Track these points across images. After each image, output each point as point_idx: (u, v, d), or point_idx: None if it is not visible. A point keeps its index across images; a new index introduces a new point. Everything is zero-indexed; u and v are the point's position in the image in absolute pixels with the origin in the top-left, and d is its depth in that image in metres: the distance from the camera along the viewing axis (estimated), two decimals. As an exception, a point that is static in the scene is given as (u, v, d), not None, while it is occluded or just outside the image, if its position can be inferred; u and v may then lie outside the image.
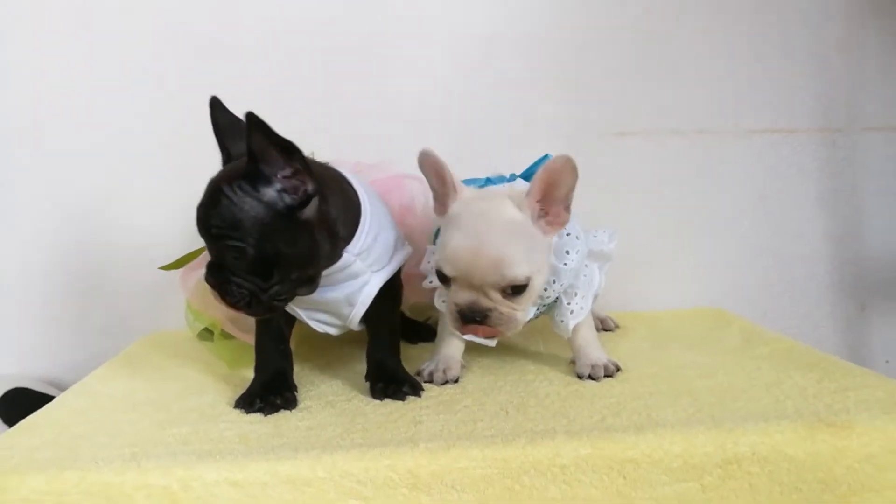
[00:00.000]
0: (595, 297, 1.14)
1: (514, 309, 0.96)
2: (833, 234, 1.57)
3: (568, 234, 1.05)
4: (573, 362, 1.11)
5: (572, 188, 0.97)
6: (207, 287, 1.08)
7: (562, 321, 1.09)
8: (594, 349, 1.11)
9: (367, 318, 1.04)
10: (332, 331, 1.06)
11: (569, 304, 1.08)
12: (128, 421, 0.92)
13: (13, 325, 1.46)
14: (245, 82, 1.36)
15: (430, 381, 1.06)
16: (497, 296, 0.94)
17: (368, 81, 1.46)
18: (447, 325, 1.10)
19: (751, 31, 1.51)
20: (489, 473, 0.77)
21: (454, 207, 0.99)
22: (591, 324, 1.13)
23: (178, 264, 1.15)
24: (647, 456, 0.78)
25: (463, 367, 1.11)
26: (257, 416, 0.92)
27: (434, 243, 1.09)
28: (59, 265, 1.46)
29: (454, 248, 0.94)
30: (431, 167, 0.99)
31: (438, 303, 1.11)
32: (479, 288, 0.94)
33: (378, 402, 0.98)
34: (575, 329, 1.10)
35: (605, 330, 1.37)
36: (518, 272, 0.93)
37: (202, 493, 0.73)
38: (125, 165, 1.44)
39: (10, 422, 1.18)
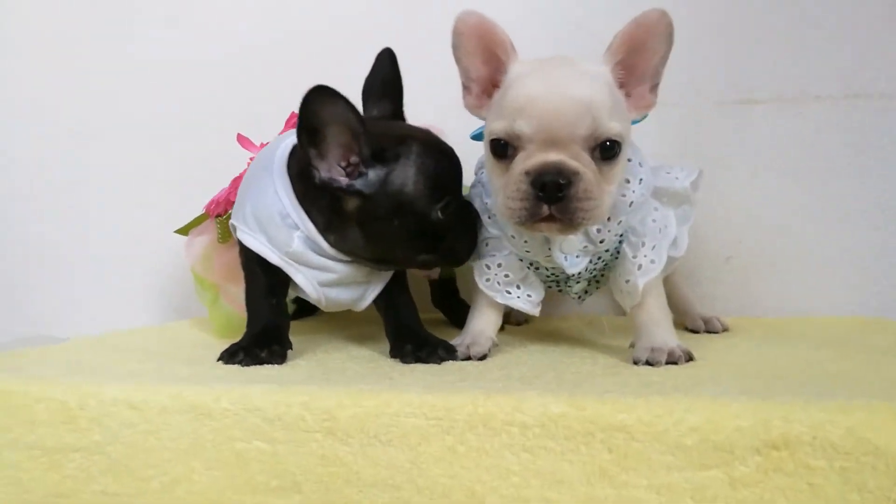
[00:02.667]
0: (672, 259, 0.90)
1: (601, 181, 0.76)
2: None
3: (629, 161, 0.84)
4: (632, 345, 0.88)
5: (664, 59, 0.80)
6: (210, 253, 1.05)
7: (627, 280, 0.86)
8: (662, 329, 0.87)
9: (379, 299, 0.95)
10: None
11: (634, 256, 0.86)
12: (85, 359, 0.86)
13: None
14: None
15: (449, 356, 0.89)
16: (585, 157, 0.75)
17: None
18: (481, 297, 0.94)
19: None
20: (424, 426, 0.58)
21: (514, 69, 0.80)
22: (661, 298, 0.90)
23: (184, 231, 1.11)
24: (647, 425, 0.55)
25: (495, 345, 0.92)
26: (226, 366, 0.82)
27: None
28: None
29: (531, 94, 0.75)
30: (477, 35, 0.80)
31: (472, 259, 0.93)
32: (560, 145, 0.74)
33: (371, 365, 0.84)
34: (640, 302, 0.87)
35: (710, 331, 1.10)
36: (613, 124, 0.75)
37: (98, 412, 0.64)
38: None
39: None
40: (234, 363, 0.82)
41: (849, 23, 1.21)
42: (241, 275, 0.94)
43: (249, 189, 0.92)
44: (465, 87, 0.85)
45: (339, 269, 0.90)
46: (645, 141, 1.20)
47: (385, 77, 0.94)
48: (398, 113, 0.95)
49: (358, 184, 0.83)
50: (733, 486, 0.53)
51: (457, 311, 1.16)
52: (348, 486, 0.59)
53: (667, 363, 0.81)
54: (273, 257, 0.88)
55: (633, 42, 0.79)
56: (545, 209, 0.74)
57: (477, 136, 0.90)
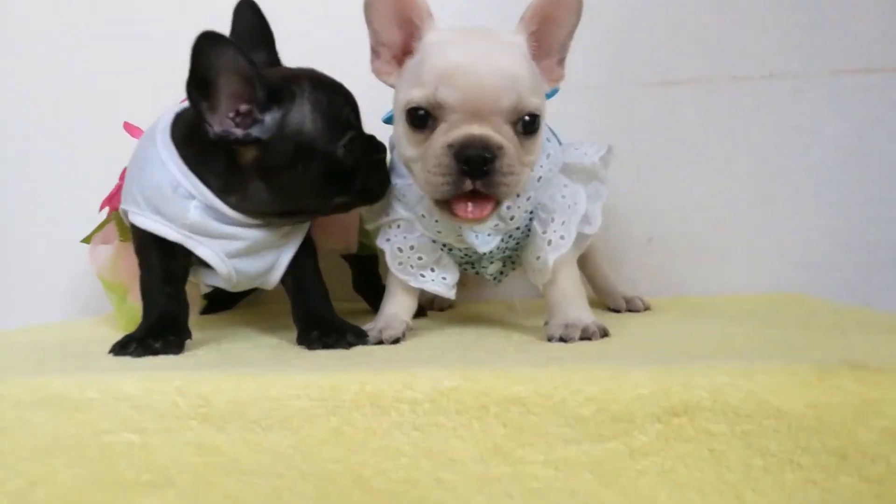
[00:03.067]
0: (585, 236, 0.88)
1: (522, 155, 0.73)
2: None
3: None
4: (546, 323, 0.85)
5: (571, 31, 0.78)
6: (116, 257, 0.98)
7: (538, 257, 0.83)
8: (575, 306, 0.84)
9: (289, 278, 0.89)
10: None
11: (544, 232, 0.83)
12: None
13: None
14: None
15: (363, 343, 0.85)
16: (508, 131, 0.72)
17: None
18: (395, 281, 0.89)
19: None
20: (308, 407, 0.54)
21: (431, 36, 0.76)
22: (574, 275, 0.87)
23: (88, 239, 1.03)
24: (543, 396, 0.52)
25: (410, 329, 0.88)
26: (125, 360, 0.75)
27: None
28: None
29: (457, 62, 0.71)
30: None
31: (382, 241, 0.89)
32: (483, 118, 0.71)
33: (275, 352, 0.79)
34: (552, 280, 0.84)
35: (631, 310, 1.08)
36: (534, 98, 0.73)
37: (-48, 407, 0.57)
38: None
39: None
40: (125, 355, 0.76)
41: (766, 4, 1.21)
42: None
43: (134, 167, 0.86)
44: (374, 51, 0.80)
45: (246, 234, 0.84)
46: (567, 123, 1.18)
47: (252, 27, 0.87)
48: (275, 61, 0.89)
49: (254, 131, 0.77)
50: (633, 456, 0.51)
51: (379, 297, 1.12)
52: (227, 476, 0.54)
53: (581, 339, 0.79)
54: (171, 233, 0.82)
55: (544, 13, 0.77)
56: (468, 183, 0.71)
57: (388, 120, 0.86)
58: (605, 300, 1.11)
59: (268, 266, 0.88)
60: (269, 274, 0.89)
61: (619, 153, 1.18)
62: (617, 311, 1.08)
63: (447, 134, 0.71)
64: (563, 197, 0.85)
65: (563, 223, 0.83)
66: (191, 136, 0.81)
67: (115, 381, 0.57)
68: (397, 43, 0.79)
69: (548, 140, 0.85)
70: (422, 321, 1.01)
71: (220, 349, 0.80)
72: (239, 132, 0.77)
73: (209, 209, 0.81)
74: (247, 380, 0.56)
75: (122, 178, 0.97)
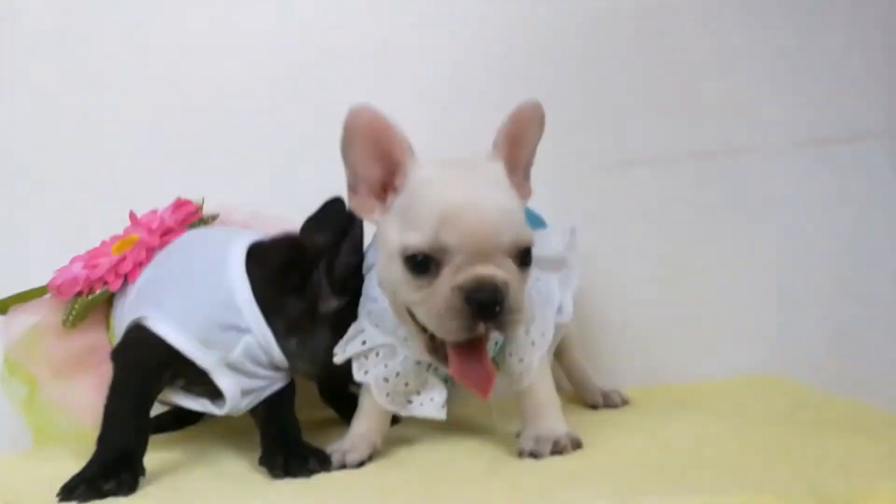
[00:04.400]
0: (559, 326, 0.86)
1: (523, 288, 0.73)
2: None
3: None
4: (518, 435, 0.82)
5: (535, 146, 0.79)
6: (35, 337, 0.94)
7: (521, 360, 0.81)
8: (549, 417, 0.81)
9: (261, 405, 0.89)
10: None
11: (527, 332, 0.81)
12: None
13: None
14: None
15: (324, 467, 0.81)
16: (510, 266, 0.71)
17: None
18: (365, 398, 0.86)
19: (775, 25, 1.22)
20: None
21: (418, 175, 0.75)
22: (548, 380, 0.84)
23: (2, 306, 0.96)
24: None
25: (377, 450, 0.84)
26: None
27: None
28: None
29: (453, 204, 0.70)
30: (371, 133, 0.74)
31: (360, 376, 0.85)
32: (488, 257, 0.70)
33: (231, 485, 0.75)
34: (528, 389, 0.82)
35: (609, 406, 1.05)
36: (527, 230, 0.73)
37: None
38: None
39: None
40: (72, 501, 0.72)
41: (722, 79, 1.23)
42: (77, 371, 0.87)
43: (186, 282, 0.85)
44: (352, 188, 0.78)
45: (267, 376, 0.87)
46: (541, 205, 1.18)
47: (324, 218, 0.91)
48: None
49: (354, 282, 0.85)
50: None
51: (347, 405, 1.09)
52: None
53: (552, 453, 0.76)
54: (203, 358, 0.82)
55: (513, 137, 0.77)
56: (482, 326, 0.69)
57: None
58: (583, 395, 1.08)
59: (254, 398, 0.88)
60: (249, 406, 0.88)
61: (586, 237, 1.18)
62: (594, 406, 1.05)
63: (455, 277, 0.69)
64: (539, 293, 0.84)
65: (542, 320, 0.82)
66: (273, 279, 0.84)
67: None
68: (377, 178, 0.77)
69: None
70: (395, 430, 0.97)
71: (175, 485, 0.76)
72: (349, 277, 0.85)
73: (258, 349, 0.84)
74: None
75: (88, 262, 0.93)
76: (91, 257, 0.95)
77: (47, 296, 0.95)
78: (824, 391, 0.96)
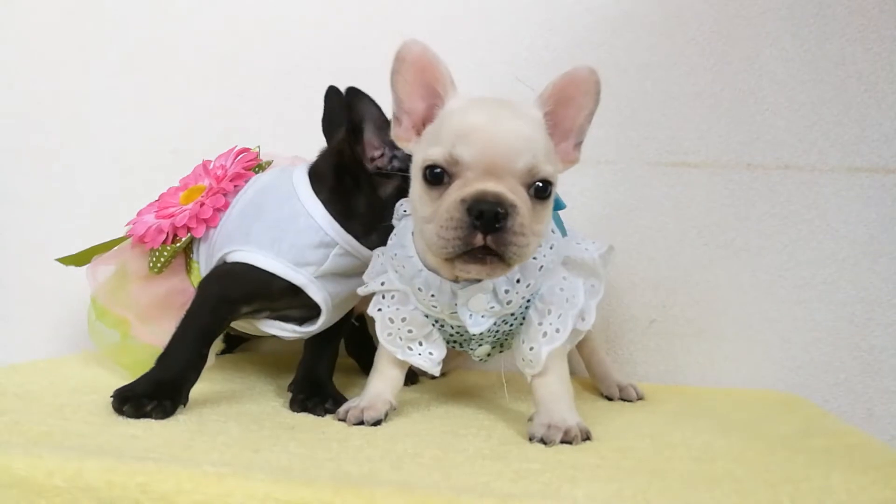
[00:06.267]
0: (578, 332, 0.87)
1: (533, 219, 0.74)
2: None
3: None
4: (531, 420, 0.84)
5: (590, 116, 0.79)
6: (117, 283, 0.99)
7: (531, 348, 0.83)
8: (561, 406, 0.83)
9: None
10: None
11: (540, 323, 0.83)
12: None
13: None
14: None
15: (344, 419, 0.85)
16: (521, 191, 0.73)
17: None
18: (383, 355, 0.90)
19: (850, 48, 1.18)
20: (267, 520, 0.54)
21: (452, 103, 0.78)
22: (563, 370, 0.86)
23: (84, 257, 1.03)
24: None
25: (393, 408, 0.88)
26: (105, 418, 0.77)
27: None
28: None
29: (474, 122, 0.74)
30: (420, 67, 0.78)
31: (373, 310, 0.89)
32: (498, 176, 0.72)
33: (252, 427, 0.80)
34: (541, 374, 0.84)
35: (625, 399, 1.07)
36: (548, 166, 0.74)
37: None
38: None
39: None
40: (121, 413, 0.79)
41: (786, 95, 1.21)
42: (162, 314, 0.94)
43: (264, 217, 0.92)
44: (396, 118, 0.82)
45: (354, 281, 0.93)
46: (577, 196, 1.19)
47: (333, 113, 1.00)
48: None
49: (396, 163, 0.89)
50: None
51: (368, 357, 1.13)
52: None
53: (562, 442, 0.78)
54: (299, 278, 0.90)
55: (562, 95, 0.78)
56: (479, 238, 0.71)
57: None
58: (599, 386, 1.10)
59: (336, 314, 0.97)
60: (329, 323, 0.96)
61: (626, 231, 1.19)
62: (610, 398, 1.07)
63: (461, 189, 0.72)
64: (562, 290, 0.85)
65: (559, 316, 0.83)
66: (336, 191, 0.92)
67: (79, 471, 0.57)
68: (419, 112, 0.81)
69: (553, 231, 0.85)
70: (409, 394, 1.01)
71: (200, 417, 0.81)
72: (386, 164, 0.90)
73: (345, 257, 0.92)
74: (209, 482, 0.56)
75: (161, 209, 0.99)
76: (161, 207, 0.99)
77: (125, 244, 1.00)
78: (840, 420, 0.96)
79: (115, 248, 1.02)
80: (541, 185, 0.74)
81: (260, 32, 1.33)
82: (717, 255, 1.21)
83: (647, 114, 1.23)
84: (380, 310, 0.88)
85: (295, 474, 0.59)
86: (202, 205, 0.96)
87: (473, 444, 0.77)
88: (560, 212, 1.00)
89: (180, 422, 0.79)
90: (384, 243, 0.90)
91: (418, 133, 0.80)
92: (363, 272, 0.92)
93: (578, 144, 0.81)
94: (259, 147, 1.07)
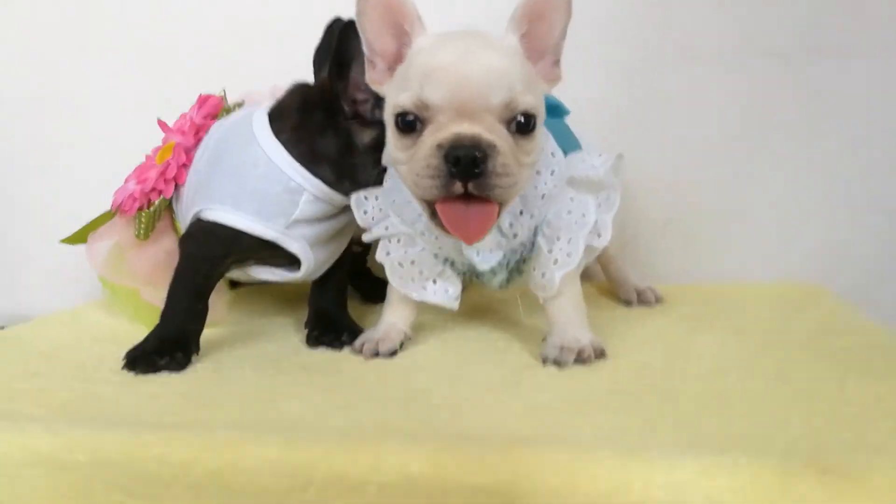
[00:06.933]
0: (594, 249, 0.85)
1: (518, 157, 0.70)
2: None
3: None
4: (544, 340, 0.84)
5: (563, 31, 0.74)
6: (118, 255, 1.00)
7: (543, 274, 0.82)
8: (574, 326, 0.83)
9: None
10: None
11: (550, 251, 0.81)
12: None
13: None
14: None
15: (360, 352, 0.86)
16: (501, 130, 0.69)
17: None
18: (394, 289, 0.90)
19: None
20: (282, 483, 0.56)
21: (418, 42, 0.73)
22: (576, 291, 0.85)
23: (82, 235, 1.03)
24: (505, 485, 0.53)
25: (408, 338, 0.89)
26: (126, 377, 0.79)
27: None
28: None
29: (441, 60, 0.69)
30: (383, 6, 0.73)
31: (381, 255, 0.89)
32: (473, 115, 0.68)
33: (269, 371, 0.81)
34: (554, 297, 0.83)
35: (643, 303, 1.06)
36: (528, 96, 0.69)
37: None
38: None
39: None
40: (134, 370, 0.80)
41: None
42: (164, 276, 0.90)
43: (224, 168, 0.88)
44: (370, 62, 0.77)
45: (340, 218, 0.91)
46: (589, 99, 1.13)
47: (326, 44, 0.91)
48: None
49: (377, 114, 0.81)
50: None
51: (367, 285, 1.14)
52: (208, 541, 0.57)
53: (576, 362, 0.79)
54: (268, 232, 0.86)
55: (533, 13, 0.73)
56: (459, 186, 0.68)
57: None
58: (618, 291, 1.09)
59: (331, 255, 0.94)
60: (326, 264, 0.94)
61: (638, 131, 1.14)
62: (628, 302, 1.07)
63: (435, 134, 0.68)
64: (570, 213, 0.82)
65: (569, 240, 0.81)
66: (299, 131, 0.85)
67: (99, 445, 0.59)
68: (391, 52, 0.75)
69: (552, 155, 0.81)
70: (425, 317, 1.00)
71: (217, 366, 0.83)
72: (367, 112, 0.83)
73: (317, 203, 0.86)
74: (224, 449, 0.58)
75: (138, 176, 0.97)
76: (141, 172, 0.98)
77: (116, 217, 0.99)
78: (861, 314, 0.94)
79: (109, 221, 1.01)
80: (522, 119, 0.69)
81: (260, 32, 1.25)
82: (734, 149, 1.16)
83: (656, 10, 1.15)
84: (388, 254, 0.87)
85: (307, 432, 0.61)
86: (168, 165, 0.94)
87: (485, 373, 0.78)
88: (572, 117, 0.96)
89: (198, 371, 0.81)
90: (356, 188, 0.86)
91: (393, 71, 0.75)
92: (343, 214, 0.89)
93: (557, 62, 0.75)
94: (224, 90, 1.01)
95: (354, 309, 1.00)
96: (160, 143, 0.99)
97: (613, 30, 1.12)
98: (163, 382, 0.77)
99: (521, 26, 0.73)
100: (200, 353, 0.86)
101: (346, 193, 0.87)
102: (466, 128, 0.67)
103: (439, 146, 0.67)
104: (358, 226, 0.90)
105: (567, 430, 0.61)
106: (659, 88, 1.16)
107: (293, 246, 0.88)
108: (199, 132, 0.96)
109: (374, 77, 0.76)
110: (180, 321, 0.86)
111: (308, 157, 0.85)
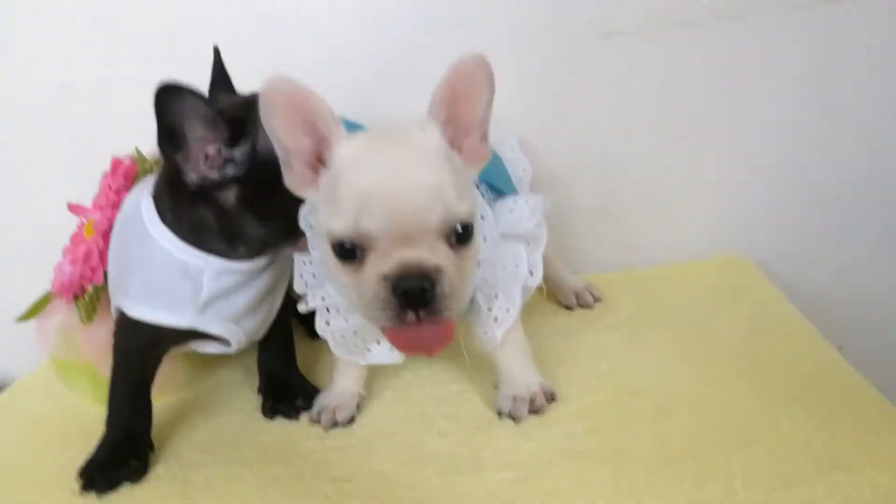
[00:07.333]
0: (528, 289, 0.86)
1: (462, 270, 0.69)
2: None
3: None
4: (496, 388, 0.87)
5: (488, 105, 0.71)
6: (67, 335, 0.96)
7: (485, 332, 0.84)
8: (523, 372, 0.86)
9: None
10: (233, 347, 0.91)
11: (489, 308, 0.83)
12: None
13: None
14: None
15: (318, 421, 0.88)
16: (441, 248, 0.68)
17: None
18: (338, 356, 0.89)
19: None
20: None
21: (342, 152, 0.70)
22: (519, 336, 0.87)
23: (34, 312, 0.99)
24: None
25: (363, 398, 0.90)
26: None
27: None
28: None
29: (372, 186, 0.66)
30: (291, 105, 0.68)
31: (321, 326, 0.87)
32: (414, 240, 0.66)
33: (234, 469, 0.82)
34: (502, 343, 0.85)
35: (583, 306, 1.10)
36: (462, 205, 0.67)
37: None
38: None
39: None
40: (91, 491, 0.79)
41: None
42: None
43: (129, 262, 0.84)
44: (286, 163, 0.72)
45: (259, 280, 0.87)
46: (513, 82, 1.11)
47: (215, 73, 0.88)
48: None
49: (229, 171, 0.76)
50: None
51: (312, 319, 1.12)
52: None
53: (530, 412, 0.82)
54: (182, 321, 0.83)
55: (454, 95, 0.70)
56: (412, 315, 0.67)
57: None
58: (557, 295, 1.12)
59: (264, 320, 0.91)
60: (263, 326, 0.92)
61: (563, 112, 1.14)
62: (569, 307, 1.10)
63: (380, 264, 0.67)
64: (504, 268, 0.83)
65: (506, 296, 0.82)
66: (176, 210, 0.81)
67: None
68: (307, 149, 0.71)
69: (482, 217, 0.80)
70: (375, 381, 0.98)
71: (180, 465, 0.83)
72: (215, 174, 0.76)
73: (221, 275, 0.82)
74: None
75: (70, 261, 0.93)
76: (73, 247, 0.93)
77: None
78: (783, 295, 1.01)
79: (54, 299, 0.96)
80: (460, 229, 0.68)
81: (259, 32, 1.15)
82: (662, 124, 1.16)
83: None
84: (328, 324, 0.86)
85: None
86: (90, 252, 0.90)
87: (445, 440, 0.80)
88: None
89: (161, 476, 0.81)
90: (255, 250, 0.83)
91: (315, 171, 0.71)
92: (257, 275, 0.86)
93: (485, 136, 0.73)
94: (136, 148, 0.95)
95: (301, 345, 1.00)
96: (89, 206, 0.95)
97: (527, 11, 1.10)
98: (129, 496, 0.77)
99: (440, 113, 0.70)
100: (157, 447, 0.85)
101: (248, 257, 0.84)
102: (409, 255, 0.65)
103: (385, 278, 0.66)
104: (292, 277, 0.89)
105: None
106: (580, 67, 1.14)
107: (213, 328, 0.86)
108: (114, 208, 0.91)
109: (293, 180, 0.72)
110: (126, 422, 0.85)
111: (193, 234, 0.81)
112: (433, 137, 0.70)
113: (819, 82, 1.13)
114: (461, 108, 0.71)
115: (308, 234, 0.82)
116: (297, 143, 0.70)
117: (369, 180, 0.66)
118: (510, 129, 1.07)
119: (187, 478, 0.81)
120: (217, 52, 0.89)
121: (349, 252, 0.68)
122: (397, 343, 0.70)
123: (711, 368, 0.86)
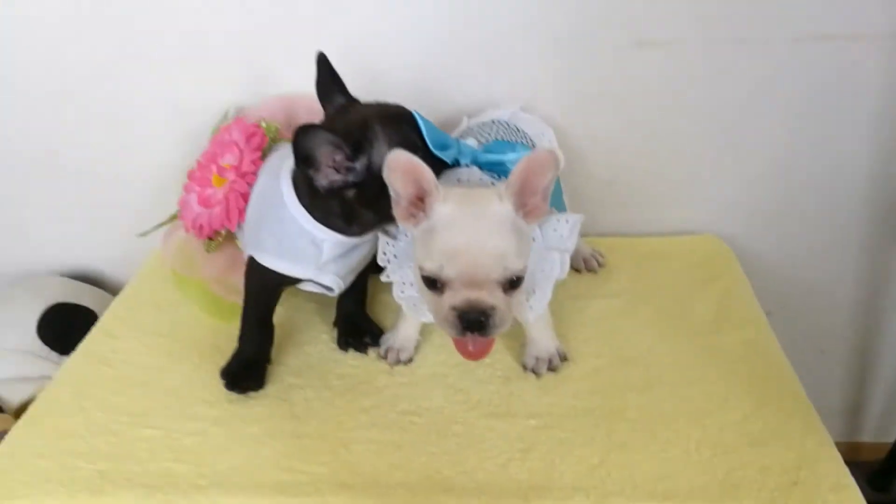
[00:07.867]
0: (556, 281, 1.12)
1: (510, 305, 0.97)
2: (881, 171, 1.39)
3: None
4: (523, 346, 1.16)
5: (552, 181, 0.96)
6: (190, 248, 1.21)
7: (520, 314, 1.10)
8: (544, 336, 1.15)
9: None
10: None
11: (528, 300, 1.09)
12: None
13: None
14: None
15: (385, 358, 1.16)
16: (498, 293, 0.94)
17: None
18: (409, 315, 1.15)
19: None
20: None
21: (440, 209, 0.95)
22: (546, 311, 1.14)
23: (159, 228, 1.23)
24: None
25: (419, 342, 1.18)
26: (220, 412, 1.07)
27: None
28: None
29: (456, 248, 0.93)
30: (405, 171, 0.93)
31: (398, 294, 1.12)
32: (479, 286, 0.94)
33: (326, 396, 1.10)
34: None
35: (589, 270, 1.36)
36: (518, 264, 0.94)
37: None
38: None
39: (55, 345, 1.39)
40: (233, 391, 1.10)
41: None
42: (234, 274, 1.15)
43: (268, 224, 1.09)
44: (395, 201, 0.97)
45: (360, 249, 1.13)
46: (550, 81, 1.35)
47: (323, 78, 1.07)
48: (350, 99, 1.09)
49: (351, 178, 1.00)
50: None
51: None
52: None
53: (548, 370, 1.12)
54: (303, 272, 1.10)
55: (526, 177, 0.92)
56: (469, 336, 0.95)
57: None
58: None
59: (356, 270, 1.17)
60: (353, 275, 1.18)
61: (587, 113, 1.38)
62: (577, 270, 1.36)
63: (453, 297, 0.93)
64: (542, 271, 1.07)
65: (542, 291, 1.08)
66: (313, 199, 1.06)
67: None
68: (413, 196, 0.96)
69: (533, 240, 1.03)
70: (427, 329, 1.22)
71: (283, 394, 1.11)
72: (339, 180, 1.01)
73: (338, 245, 1.09)
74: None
75: (200, 192, 1.16)
76: (200, 185, 1.15)
77: None
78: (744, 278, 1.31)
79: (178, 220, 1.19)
80: (514, 278, 0.93)
81: (267, 31, 1.31)
82: (669, 123, 1.38)
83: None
84: (403, 293, 1.11)
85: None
86: (228, 206, 1.12)
87: (484, 388, 1.09)
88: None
89: (269, 395, 1.09)
90: (368, 231, 1.08)
91: (416, 208, 0.95)
92: (361, 245, 1.12)
93: (545, 198, 0.95)
94: (263, 121, 1.17)
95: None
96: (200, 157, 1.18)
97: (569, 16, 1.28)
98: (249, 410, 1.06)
99: (514, 188, 0.93)
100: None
101: (358, 234, 1.09)
102: (474, 296, 0.92)
103: (454, 308, 0.92)
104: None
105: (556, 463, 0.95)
106: (612, 72, 1.34)
107: (325, 280, 1.12)
108: (246, 177, 1.13)
109: (399, 213, 0.97)
110: (254, 343, 1.13)
111: (322, 216, 1.07)
112: (506, 208, 0.94)
113: (806, 104, 1.35)
114: (531, 185, 0.94)
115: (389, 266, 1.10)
116: (406, 191, 0.95)
117: (455, 242, 0.92)
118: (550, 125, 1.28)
119: (290, 398, 1.08)
120: (323, 58, 1.06)
121: (433, 283, 0.95)
122: (456, 346, 1.00)
123: (684, 346, 1.15)
